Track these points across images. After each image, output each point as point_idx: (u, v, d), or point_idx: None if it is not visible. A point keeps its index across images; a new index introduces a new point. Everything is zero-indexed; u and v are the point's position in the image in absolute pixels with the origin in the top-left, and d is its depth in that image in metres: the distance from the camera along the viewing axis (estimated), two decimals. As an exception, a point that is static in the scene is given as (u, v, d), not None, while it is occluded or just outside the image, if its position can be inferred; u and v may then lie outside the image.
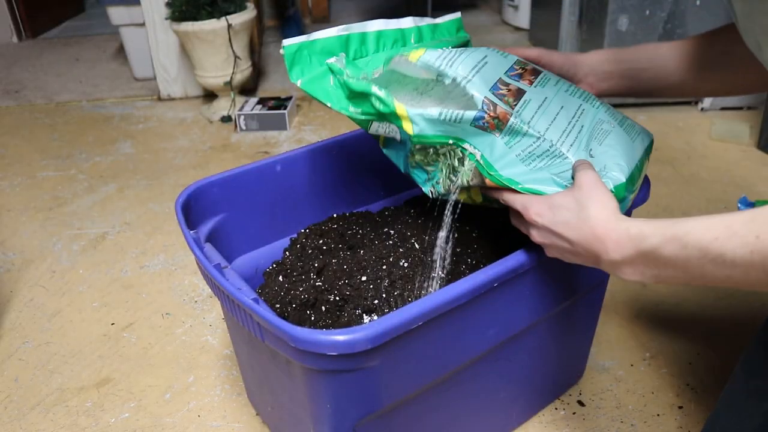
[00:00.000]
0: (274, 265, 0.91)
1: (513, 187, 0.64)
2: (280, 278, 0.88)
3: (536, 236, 0.63)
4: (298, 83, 0.72)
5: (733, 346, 1.08)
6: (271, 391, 0.80)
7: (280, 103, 2.09)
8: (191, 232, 0.73)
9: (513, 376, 0.84)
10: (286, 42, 0.72)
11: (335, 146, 0.93)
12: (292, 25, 3.05)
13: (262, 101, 2.12)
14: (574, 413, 0.97)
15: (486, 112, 0.64)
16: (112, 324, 1.21)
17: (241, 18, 2.01)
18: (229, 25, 1.97)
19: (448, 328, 0.65)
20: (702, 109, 1.99)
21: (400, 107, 0.66)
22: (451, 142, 0.67)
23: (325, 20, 3.43)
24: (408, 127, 0.66)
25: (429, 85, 0.67)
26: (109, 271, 1.37)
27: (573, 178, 0.62)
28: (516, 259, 0.66)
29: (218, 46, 2.01)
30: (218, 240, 0.83)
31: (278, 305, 0.81)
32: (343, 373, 0.59)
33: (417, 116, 0.66)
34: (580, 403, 0.99)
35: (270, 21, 3.30)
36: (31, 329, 1.20)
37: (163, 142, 2.03)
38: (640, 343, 1.10)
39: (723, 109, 1.99)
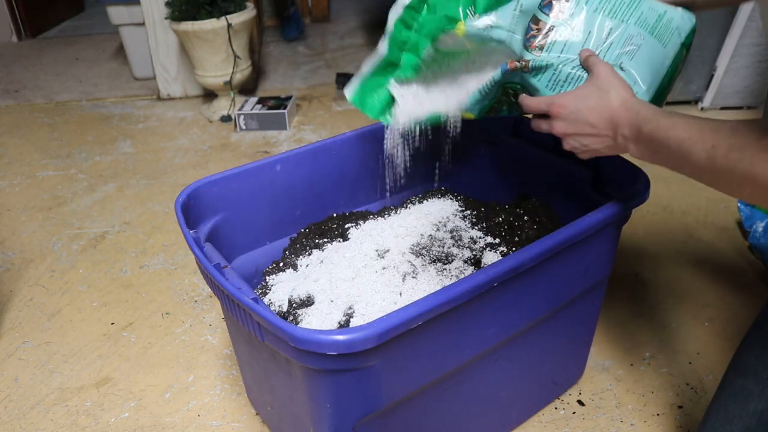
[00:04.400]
0: (274, 265, 0.91)
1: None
2: (280, 278, 0.88)
3: (561, 127, 0.68)
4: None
5: (733, 346, 1.07)
6: (271, 390, 0.80)
7: (280, 102, 2.09)
8: (191, 231, 0.73)
9: (513, 376, 0.84)
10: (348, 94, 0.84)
11: (335, 146, 0.93)
12: (291, 25, 3.05)
13: (261, 101, 2.12)
14: (574, 413, 0.97)
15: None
16: (112, 323, 1.21)
17: (241, 17, 2.01)
18: (229, 25, 1.96)
19: (447, 327, 0.65)
20: (702, 108, 1.99)
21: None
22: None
23: (324, 19, 3.43)
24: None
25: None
26: (109, 270, 1.37)
27: (585, 69, 0.67)
28: (516, 259, 0.65)
29: (218, 46, 2.01)
30: (218, 240, 0.83)
31: (278, 305, 0.81)
32: (343, 373, 0.59)
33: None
34: (580, 402, 0.99)
35: (270, 20, 3.30)
36: (30, 329, 1.20)
37: (163, 141, 2.03)
38: (640, 342, 1.10)
39: (723, 108, 1.99)
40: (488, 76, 0.73)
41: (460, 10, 0.74)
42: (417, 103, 0.82)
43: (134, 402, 1.03)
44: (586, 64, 0.67)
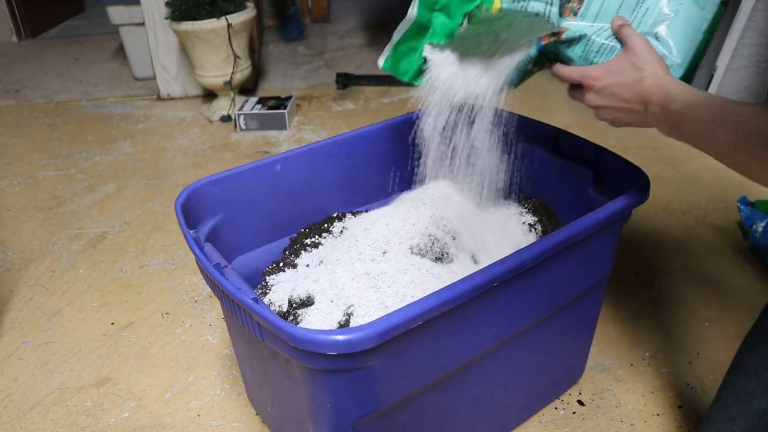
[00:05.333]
0: (274, 265, 0.91)
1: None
2: (280, 278, 0.88)
3: (593, 99, 0.70)
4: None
5: (733, 346, 1.07)
6: (271, 390, 0.80)
7: (280, 102, 2.09)
8: (191, 231, 0.73)
9: (513, 375, 0.84)
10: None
11: (335, 146, 0.93)
12: (291, 25, 3.05)
13: (261, 101, 2.12)
14: (574, 413, 0.97)
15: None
16: (112, 323, 1.21)
17: (241, 17, 2.01)
18: (229, 25, 1.96)
19: (448, 327, 0.65)
20: (702, 108, 1.99)
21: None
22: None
23: (324, 19, 3.43)
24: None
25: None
26: (109, 270, 1.37)
27: (618, 40, 0.68)
28: (516, 259, 0.65)
29: (218, 46, 2.01)
30: (218, 240, 0.83)
31: (278, 305, 0.81)
32: (343, 373, 0.59)
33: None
34: (580, 402, 0.99)
35: (270, 20, 3.30)
36: (30, 329, 1.20)
37: (163, 141, 2.03)
38: (640, 343, 1.10)
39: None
40: (523, 53, 0.74)
41: None
42: (452, 72, 0.81)
43: (134, 402, 1.03)
44: (619, 35, 0.68)
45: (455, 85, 0.81)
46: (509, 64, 0.77)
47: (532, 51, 0.72)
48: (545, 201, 0.96)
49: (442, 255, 0.87)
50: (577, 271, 0.79)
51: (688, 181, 1.60)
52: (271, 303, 0.82)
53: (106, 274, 1.36)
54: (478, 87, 0.80)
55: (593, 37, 0.69)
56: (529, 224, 0.92)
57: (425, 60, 0.82)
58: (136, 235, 1.50)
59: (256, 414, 0.99)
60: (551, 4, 0.71)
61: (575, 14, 0.69)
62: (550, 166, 0.93)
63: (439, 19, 0.79)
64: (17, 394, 1.05)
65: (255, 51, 2.45)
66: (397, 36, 0.83)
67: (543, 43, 0.70)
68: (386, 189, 1.01)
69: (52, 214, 1.61)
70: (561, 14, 0.69)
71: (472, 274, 0.63)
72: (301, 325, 0.74)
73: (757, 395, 0.68)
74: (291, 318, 0.78)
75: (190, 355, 1.12)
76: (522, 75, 0.79)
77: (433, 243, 0.89)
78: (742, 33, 1.82)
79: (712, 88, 1.94)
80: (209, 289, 1.25)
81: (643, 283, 1.25)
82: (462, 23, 0.76)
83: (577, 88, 0.73)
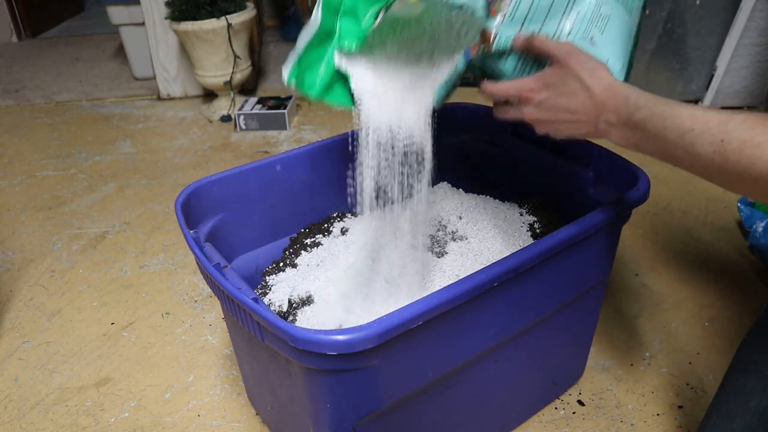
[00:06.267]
0: (274, 265, 0.91)
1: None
2: (280, 278, 0.88)
3: (532, 113, 0.65)
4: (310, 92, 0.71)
5: (733, 346, 1.07)
6: (271, 390, 0.80)
7: (280, 102, 2.09)
8: (191, 231, 0.73)
9: (513, 375, 0.84)
10: (285, 72, 0.71)
11: (335, 146, 0.93)
12: (291, 25, 3.05)
13: (261, 101, 2.12)
14: (574, 413, 0.97)
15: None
16: (112, 323, 1.21)
17: (241, 17, 2.01)
18: (229, 25, 1.96)
19: (448, 327, 0.65)
20: (702, 108, 1.99)
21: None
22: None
23: (325, 20, 3.43)
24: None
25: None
26: (109, 270, 1.37)
27: (541, 56, 0.63)
28: (516, 259, 0.65)
29: (218, 46, 2.01)
30: (218, 240, 0.83)
31: (278, 305, 0.81)
32: (343, 373, 0.59)
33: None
34: (580, 402, 0.99)
35: (270, 20, 3.30)
36: (30, 329, 1.20)
37: (163, 141, 2.03)
38: (640, 343, 1.10)
39: (723, 108, 1.99)
40: (449, 66, 0.67)
41: None
42: (376, 93, 0.71)
43: (134, 402, 1.03)
44: (537, 51, 0.63)
45: (376, 114, 0.70)
46: (435, 80, 0.69)
47: (460, 64, 0.66)
48: (545, 201, 0.96)
49: (442, 254, 0.87)
50: (577, 271, 0.79)
51: (688, 181, 1.60)
52: (271, 303, 0.82)
53: (106, 274, 1.36)
54: (405, 115, 0.70)
55: None
56: (529, 224, 0.92)
57: (337, 71, 0.72)
58: (136, 235, 1.50)
59: (256, 414, 0.99)
60: None
61: (503, 15, 0.63)
62: (550, 166, 0.93)
63: (345, 22, 0.69)
64: (17, 394, 1.05)
65: (255, 51, 2.44)
66: (301, 44, 0.73)
67: (471, 55, 0.64)
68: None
69: (52, 214, 1.61)
70: (487, 15, 0.63)
71: (472, 274, 0.63)
72: (301, 325, 0.74)
73: (757, 393, 0.68)
74: (291, 318, 0.78)
75: (190, 355, 1.12)
76: (448, 92, 0.71)
77: (433, 243, 0.89)
78: (742, 33, 1.82)
79: (712, 88, 1.94)
80: (209, 289, 1.25)
81: (643, 283, 1.25)
82: (375, 21, 0.67)
83: (506, 105, 0.67)
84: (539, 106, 0.64)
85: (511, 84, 0.65)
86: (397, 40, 0.73)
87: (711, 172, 0.51)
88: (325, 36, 0.71)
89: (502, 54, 0.65)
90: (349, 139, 0.82)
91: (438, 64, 0.71)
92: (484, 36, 0.66)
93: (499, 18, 0.64)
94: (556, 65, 0.62)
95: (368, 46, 0.71)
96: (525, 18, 0.64)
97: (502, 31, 0.64)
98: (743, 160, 0.48)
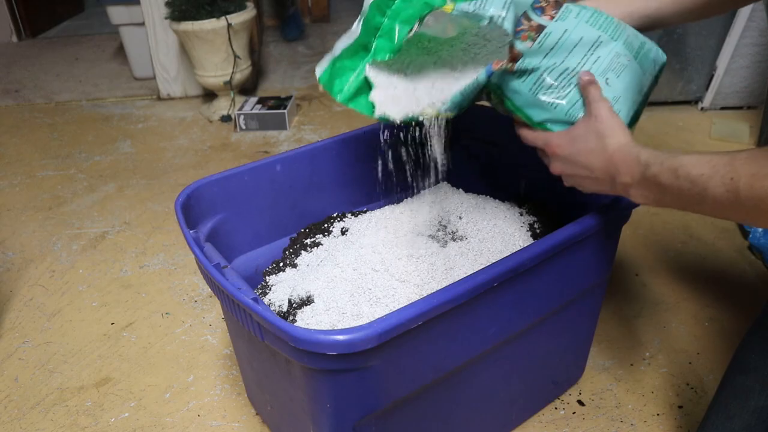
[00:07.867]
0: (274, 265, 0.91)
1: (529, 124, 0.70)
2: (280, 278, 0.88)
3: (557, 167, 0.68)
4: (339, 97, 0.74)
5: (733, 346, 1.07)
6: (271, 390, 0.80)
7: (280, 102, 2.09)
8: (191, 231, 0.73)
9: (513, 376, 0.84)
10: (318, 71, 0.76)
11: (335, 146, 0.93)
12: (291, 25, 3.05)
13: (261, 101, 2.12)
14: (574, 413, 0.97)
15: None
16: (112, 323, 1.21)
17: (241, 17, 2.01)
18: (229, 25, 1.96)
19: (448, 327, 0.65)
20: (702, 108, 1.99)
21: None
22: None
23: (324, 19, 3.43)
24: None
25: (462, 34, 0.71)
26: (109, 270, 1.37)
27: (584, 103, 0.66)
28: (516, 259, 0.65)
29: (218, 46, 2.01)
30: (218, 240, 0.83)
31: (278, 305, 0.81)
32: (343, 373, 0.59)
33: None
34: (580, 402, 0.99)
35: (270, 20, 3.30)
36: (30, 329, 1.20)
37: (163, 141, 2.03)
38: (640, 342, 1.10)
39: (723, 108, 1.99)
40: (471, 76, 0.70)
41: None
42: (396, 93, 0.74)
43: (134, 402, 1.03)
44: (585, 93, 0.66)
45: (400, 104, 0.74)
46: (457, 85, 0.72)
47: (481, 76, 0.68)
48: (544, 201, 0.96)
49: (442, 254, 0.87)
50: (577, 271, 0.79)
51: (688, 181, 1.60)
52: (271, 303, 0.82)
53: (106, 274, 1.36)
54: (422, 100, 0.73)
55: (544, 74, 0.68)
56: (529, 224, 0.92)
57: (364, 83, 0.75)
58: (136, 235, 1.50)
59: (256, 414, 0.99)
60: (505, 17, 0.67)
61: (533, 41, 0.67)
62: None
63: (381, 42, 0.73)
64: (17, 394, 1.05)
65: (255, 51, 2.44)
66: (338, 49, 0.77)
67: (493, 67, 0.67)
68: (386, 189, 1.01)
69: (52, 214, 1.61)
70: (515, 36, 0.67)
71: (472, 274, 0.63)
72: (301, 324, 0.74)
73: (756, 393, 0.68)
74: (291, 318, 0.78)
75: (190, 355, 1.12)
76: (465, 105, 0.73)
77: (433, 243, 0.89)
78: (742, 33, 1.82)
79: (712, 88, 1.94)
80: (209, 289, 1.25)
81: (643, 283, 1.25)
82: (408, 34, 0.71)
83: (542, 152, 0.71)
84: (564, 161, 0.67)
85: (541, 136, 0.69)
86: (423, 52, 0.77)
87: (727, 210, 0.53)
88: (360, 48, 0.75)
89: (522, 73, 0.69)
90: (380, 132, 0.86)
91: (461, 71, 0.74)
92: (511, 53, 0.69)
93: (528, 43, 0.68)
94: (587, 119, 0.65)
95: (398, 58, 0.75)
96: (551, 50, 0.68)
97: (527, 55, 0.68)
98: (754, 193, 0.49)
